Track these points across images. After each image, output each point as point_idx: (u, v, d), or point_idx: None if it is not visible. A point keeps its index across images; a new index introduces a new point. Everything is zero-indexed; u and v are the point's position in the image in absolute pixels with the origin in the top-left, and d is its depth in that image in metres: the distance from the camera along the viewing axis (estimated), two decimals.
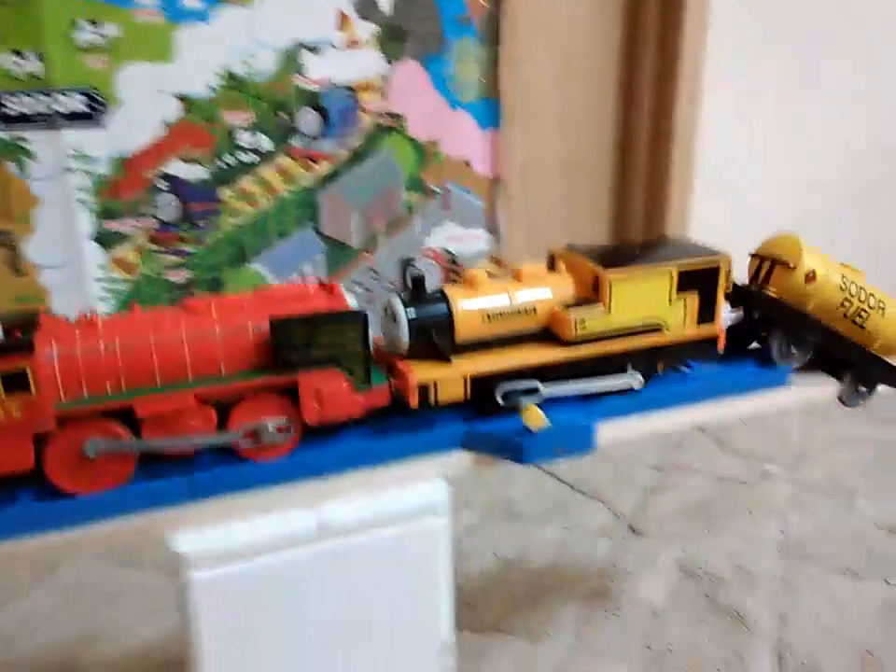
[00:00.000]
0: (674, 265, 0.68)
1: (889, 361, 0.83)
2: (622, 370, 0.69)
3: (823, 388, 0.79)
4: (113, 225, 1.30)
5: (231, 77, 1.28)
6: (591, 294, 0.67)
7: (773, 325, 0.76)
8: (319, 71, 1.33)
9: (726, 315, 0.75)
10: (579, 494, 1.32)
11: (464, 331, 0.64)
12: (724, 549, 1.14)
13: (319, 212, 1.41)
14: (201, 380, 0.56)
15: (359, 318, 0.59)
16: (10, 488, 0.56)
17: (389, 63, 1.37)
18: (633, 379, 0.69)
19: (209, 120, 1.29)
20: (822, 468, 1.36)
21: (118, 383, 0.55)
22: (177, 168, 1.30)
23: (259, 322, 0.58)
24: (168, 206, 1.31)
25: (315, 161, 1.37)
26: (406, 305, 0.63)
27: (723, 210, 1.66)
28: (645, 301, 0.68)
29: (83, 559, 1.14)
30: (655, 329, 0.69)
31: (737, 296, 0.77)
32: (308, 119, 1.35)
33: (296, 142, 1.36)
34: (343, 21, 1.32)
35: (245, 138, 1.32)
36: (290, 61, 1.31)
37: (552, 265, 0.71)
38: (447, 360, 0.63)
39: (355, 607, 0.62)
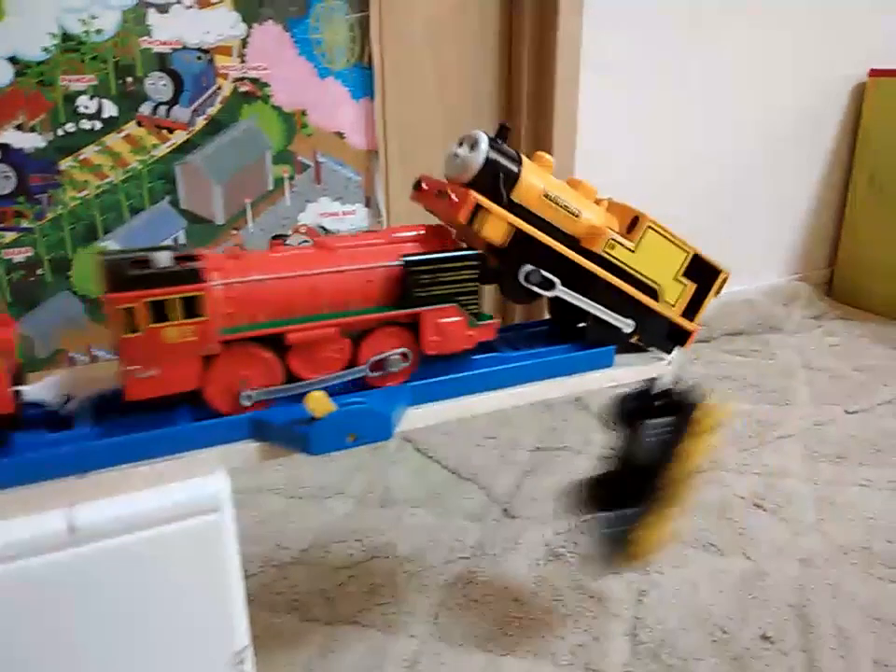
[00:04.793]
0: (693, 248, 0.74)
1: None
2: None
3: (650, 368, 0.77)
4: None
5: (68, 37, 1.17)
6: (625, 235, 0.72)
7: None
8: (169, 32, 1.23)
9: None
10: (457, 478, 1.28)
11: (522, 194, 0.67)
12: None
13: (177, 185, 1.32)
14: (342, 312, 0.62)
15: (478, 259, 0.64)
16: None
17: (248, 24, 1.28)
18: (625, 324, 0.74)
19: (45, 84, 1.19)
20: None
21: (268, 312, 0.59)
22: (11, 137, 1.19)
23: (386, 260, 0.63)
24: (1, 178, 1.20)
25: (169, 131, 1.28)
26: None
27: (603, 180, 1.64)
28: (661, 264, 0.73)
29: None
30: (655, 293, 0.74)
31: None
32: (158, 85, 1.25)
33: (145, 109, 1.26)
34: None
35: (86, 104, 1.22)
36: (135, 20, 1.21)
37: None
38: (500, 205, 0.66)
39: (123, 618, 0.55)
